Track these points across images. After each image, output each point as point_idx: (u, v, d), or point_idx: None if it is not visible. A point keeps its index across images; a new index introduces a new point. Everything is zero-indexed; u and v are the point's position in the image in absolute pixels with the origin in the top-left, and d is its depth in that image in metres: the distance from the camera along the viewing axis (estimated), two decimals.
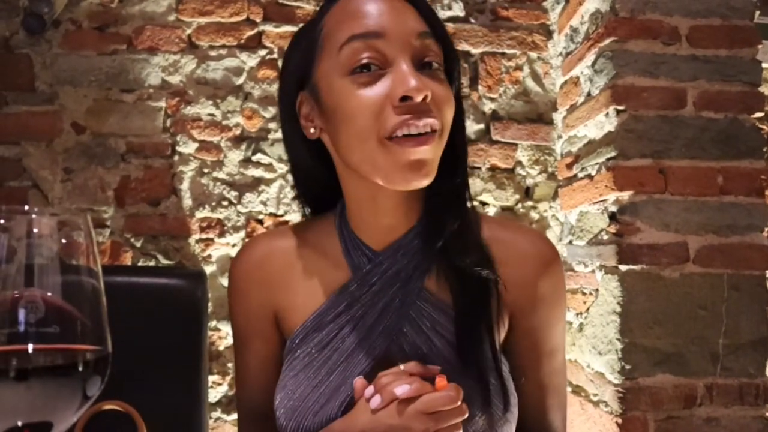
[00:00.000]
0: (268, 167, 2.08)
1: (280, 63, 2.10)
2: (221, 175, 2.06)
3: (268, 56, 2.11)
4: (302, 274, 0.88)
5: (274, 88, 2.09)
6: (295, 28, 2.11)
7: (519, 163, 2.13)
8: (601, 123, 1.78)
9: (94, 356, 0.49)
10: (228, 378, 2.00)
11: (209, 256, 2.03)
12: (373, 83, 0.74)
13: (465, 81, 2.13)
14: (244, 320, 0.93)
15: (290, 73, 0.85)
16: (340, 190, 0.88)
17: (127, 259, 2.02)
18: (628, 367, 1.62)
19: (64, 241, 0.50)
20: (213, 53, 2.10)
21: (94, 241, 0.53)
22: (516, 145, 2.13)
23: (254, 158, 2.07)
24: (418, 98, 0.72)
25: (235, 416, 1.97)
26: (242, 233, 2.05)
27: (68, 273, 0.49)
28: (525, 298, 0.85)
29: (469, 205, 0.88)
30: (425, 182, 0.76)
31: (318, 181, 0.90)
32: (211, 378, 1.99)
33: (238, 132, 2.08)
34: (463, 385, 0.75)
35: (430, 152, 0.74)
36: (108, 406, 0.70)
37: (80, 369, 0.48)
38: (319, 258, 0.88)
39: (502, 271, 0.83)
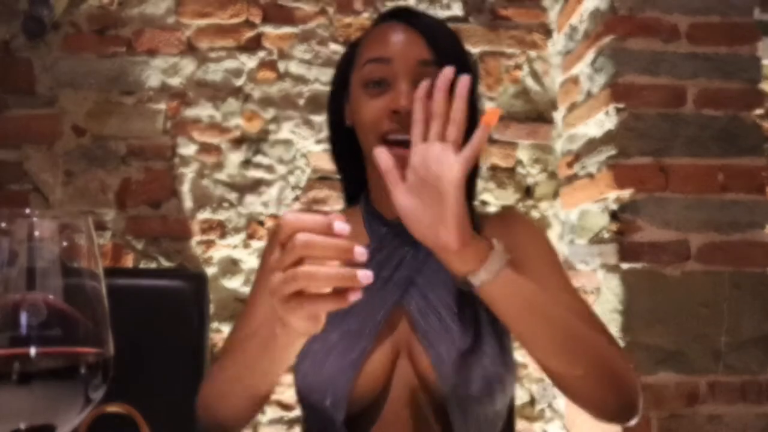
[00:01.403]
0: (269, 168, 2.08)
1: (279, 64, 2.11)
2: (222, 176, 2.07)
3: (268, 58, 2.11)
4: None
5: (274, 89, 2.10)
6: (294, 30, 2.12)
7: (519, 162, 2.12)
8: (602, 121, 1.78)
9: (96, 359, 0.49)
10: None
11: (210, 257, 2.03)
12: (378, 96, 0.95)
13: None
14: (269, 263, 0.99)
15: (338, 75, 1.08)
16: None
17: (129, 261, 2.02)
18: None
19: (65, 243, 0.50)
20: (213, 55, 2.10)
21: (96, 243, 0.53)
22: (516, 144, 2.13)
23: (254, 160, 2.08)
24: (405, 111, 0.91)
25: None
26: (243, 235, 2.05)
27: (70, 276, 0.49)
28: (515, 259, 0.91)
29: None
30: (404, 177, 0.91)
31: (352, 168, 1.09)
32: None
33: (238, 134, 2.08)
34: (471, 334, 0.89)
35: (408, 154, 0.87)
36: (111, 409, 0.70)
37: (83, 372, 0.48)
38: None
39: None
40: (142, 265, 2.02)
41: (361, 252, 0.61)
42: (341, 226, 0.61)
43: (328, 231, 0.61)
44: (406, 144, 0.89)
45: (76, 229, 0.51)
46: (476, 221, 1.03)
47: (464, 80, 0.80)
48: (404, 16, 0.99)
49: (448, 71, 0.81)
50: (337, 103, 1.07)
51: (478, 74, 1.01)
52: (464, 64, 0.99)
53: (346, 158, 1.10)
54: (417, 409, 0.93)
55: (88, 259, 0.51)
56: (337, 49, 2.10)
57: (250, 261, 2.04)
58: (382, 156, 0.82)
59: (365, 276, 0.61)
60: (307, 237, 0.60)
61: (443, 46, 0.97)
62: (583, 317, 0.93)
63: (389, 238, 1.00)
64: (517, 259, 0.91)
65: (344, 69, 1.05)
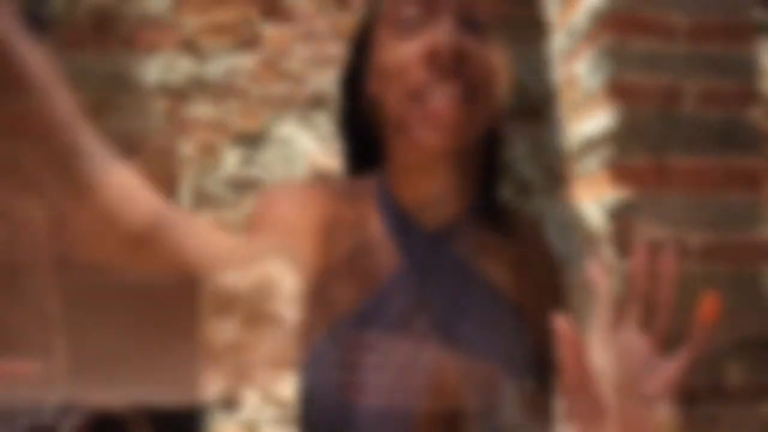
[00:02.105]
0: (267, 167, 2.08)
1: (278, 63, 2.11)
2: (220, 175, 2.07)
3: (267, 56, 2.10)
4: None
5: (273, 88, 2.10)
6: (293, 28, 2.11)
7: (515, 158, 2.12)
8: (600, 119, 1.78)
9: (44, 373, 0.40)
10: None
11: None
12: (410, 38, 0.70)
13: None
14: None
15: (356, 33, 0.79)
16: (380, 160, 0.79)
17: None
18: None
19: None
20: (211, 53, 2.10)
21: (45, 232, 0.43)
22: (514, 142, 2.13)
23: (253, 158, 2.07)
24: (449, 55, 0.67)
25: (234, 416, 1.97)
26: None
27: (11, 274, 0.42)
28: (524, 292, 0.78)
29: None
30: (447, 143, 0.69)
31: (364, 137, 0.80)
32: None
33: (236, 132, 2.08)
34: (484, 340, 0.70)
35: (455, 113, 0.68)
36: (102, 407, 0.69)
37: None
38: (355, 228, 0.76)
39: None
40: None
41: None
42: None
43: None
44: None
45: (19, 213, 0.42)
46: (503, 220, 0.80)
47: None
48: None
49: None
50: (357, 69, 0.78)
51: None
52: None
53: (359, 133, 0.80)
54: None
55: (35, 251, 0.42)
56: (336, 47, 2.10)
57: None
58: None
59: None
60: None
61: None
62: None
63: (424, 253, 0.73)
64: (526, 294, 0.76)
65: (367, 22, 0.78)
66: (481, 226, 0.75)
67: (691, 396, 1.63)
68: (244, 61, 2.10)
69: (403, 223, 0.74)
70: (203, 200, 2.05)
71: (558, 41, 2.11)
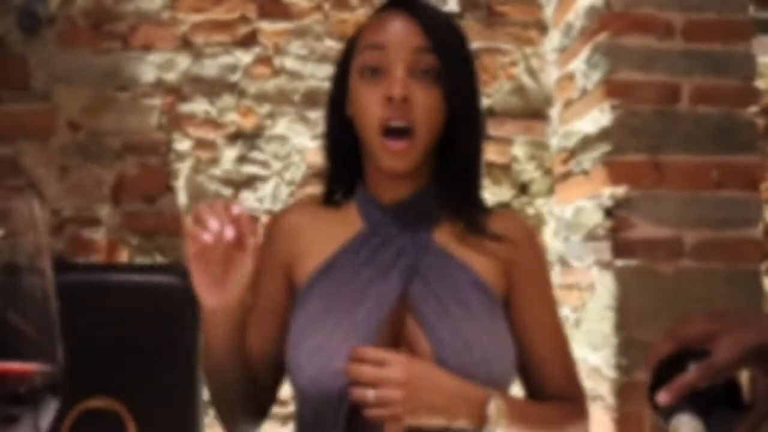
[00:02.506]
0: (264, 164, 2.08)
1: (275, 60, 2.11)
2: (217, 172, 2.06)
3: (263, 53, 2.10)
4: (321, 230, 1.03)
5: (270, 85, 2.09)
6: (290, 25, 2.11)
7: (515, 158, 2.12)
8: (596, 118, 1.78)
9: (43, 380, 0.39)
10: None
11: None
12: (374, 84, 0.95)
13: None
14: (263, 262, 1.04)
15: (342, 62, 1.05)
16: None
17: (124, 256, 2.02)
18: (623, 362, 1.62)
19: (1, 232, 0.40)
20: (208, 50, 2.09)
21: (42, 230, 0.42)
22: (512, 140, 2.13)
23: (250, 155, 2.07)
24: (399, 99, 0.92)
25: None
26: None
27: (6, 273, 0.40)
28: (517, 274, 1.01)
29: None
30: (403, 170, 0.96)
31: (346, 159, 1.06)
32: None
33: (233, 129, 2.08)
34: (473, 320, 0.92)
35: (406, 147, 0.94)
36: (95, 405, 0.69)
37: (27, 398, 0.38)
38: (338, 218, 1.04)
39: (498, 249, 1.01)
40: (137, 260, 2.02)
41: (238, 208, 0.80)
42: (239, 209, 0.79)
43: (227, 210, 0.79)
44: (403, 132, 0.93)
45: (14, 211, 0.40)
46: (479, 204, 1.04)
47: None
48: (404, 4, 0.99)
49: None
50: (339, 93, 1.05)
51: (476, 68, 0.98)
52: (462, 55, 1.00)
53: (342, 149, 1.06)
54: None
55: (31, 250, 0.40)
56: (332, 45, 2.10)
57: None
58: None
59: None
60: (199, 209, 0.79)
61: (440, 34, 0.96)
62: (564, 375, 1.03)
63: (385, 222, 0.99)
64: (515, 277, 1.01)
65: (346, 58, 1.04)
66: (435, 202, 1.00)
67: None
68: (241, 59, 2.10)
69: (368, 200, 1.02)
70: (200, 197, 2.05)
71: (554, 40, 2.11)
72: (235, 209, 0.79)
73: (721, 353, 0.62)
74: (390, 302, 0.92)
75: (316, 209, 1.08)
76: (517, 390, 1.02)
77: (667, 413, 0.63)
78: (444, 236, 1.00)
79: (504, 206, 2.11)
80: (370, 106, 0.94)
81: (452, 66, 0.96)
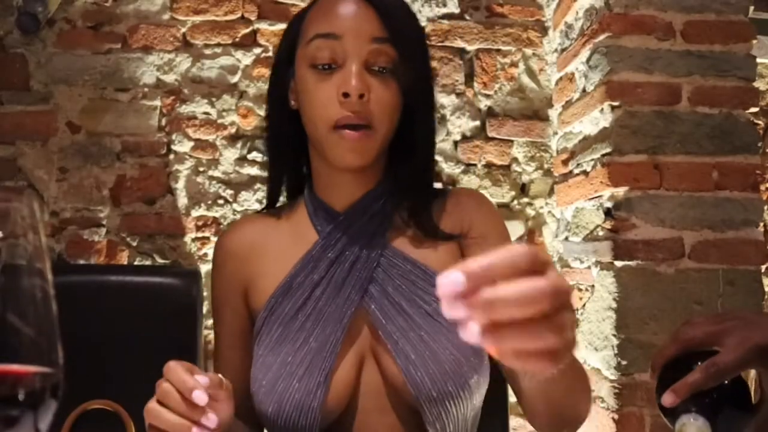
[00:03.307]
0: (264, 165, 2.07)
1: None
2: (217, 173, 2.06)
3: (263, 54, 2.10)
4: (274, 245, 0.96)
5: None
6: None
7: (515, 159, 2.12)
8: (596, 119, 1.78)
9: (42, 382, 0.39)
10: None
11: (205, 254, 2.03)
12: (327, 77, 0.87)
13: (460, 77, 2.13)
14: (219, 291, 0.99)
15: (281, 49, 0.97)
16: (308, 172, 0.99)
17: (123, 258, 2.02)
18: (624, 362, 1.62)
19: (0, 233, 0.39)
20: (208, 52, 2.09)
21: (41, 230, 0.41)
22: (512, 141, 2.13)
23: (250, 156, 2.07)
24: (356, 96, 0.84)
25: None
26: None
27: (6, 273, 0.39)
28: (472, 237, 0.94)
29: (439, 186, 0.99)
30: (360, 164, 0.89)
31: (291, 156, 0.99)
32: None
33: (233, 130, 2.08)
34: (438, 326, 0.85)
35: (363, 143, 0.87)
36: (95, 405, 0.69)
37: (26, 400, 0.38)
38: (290, 229, 0.97)
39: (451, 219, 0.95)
40: (137, 262, 2.02)
41: (212, 419, 0.69)
42: (199, 396, 0.68)
43: (188, 394, 0.68)
44: (357, 128, 0.86)
45: (14, 212, 0.39)
46: (431, 198, 0.97)
47: None
48: None
49: None
50: (280, 82, 0.96)
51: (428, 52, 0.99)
52: (420, 44, 0.94)
53: (287, 145, 0.98)
54: (388, 415, 0.88)
55: (31, 251, 0.40)
56: None
57: None
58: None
59: (209, 422, 0.69)
60: (168, 388, 0.69)
61: (398, 21, 0.89)
62: None
63: (339, 232, 0.92)
64: (476, 238, 0.94)
65: (289, 43, 0.95)
66: (388, 202, 0.94)
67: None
68: (241, 60, 2.10)
69: (319, 206, 0.95)
70: (198, 197, 2.05)
71: (554, 41, 2.11)
72: (196, 396, 0.69)
73: (725, 354, 0.62)
74: (343, 322, 0.86)
75: (263, 222, 1.00)
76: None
77: (674, 414, 0.62)
78: (400, 237, 0.93)
79: (503, 207, 2.11)
80: (323, 101, 0.86)
81: (411, 57, 0.89)
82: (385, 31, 0.87)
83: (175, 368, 0.70)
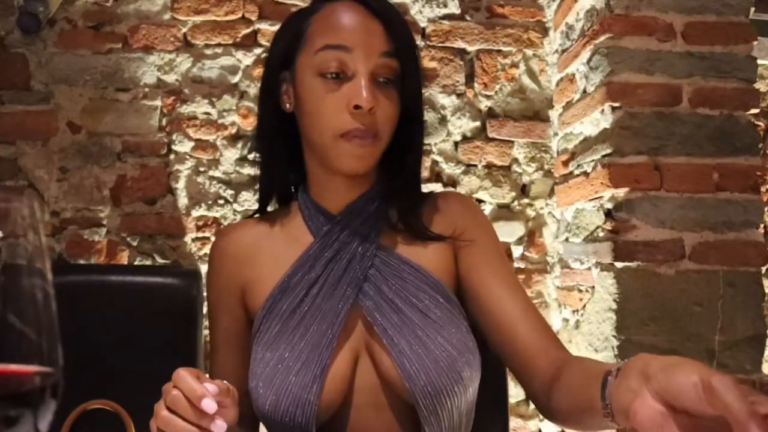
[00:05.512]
0: None
1: None
2: (217, 173, 2.06)
3: (264, 54, 2.10)
4: (269, 249, 0.99)
5: None
6: None
7: (515, 160, 2.12)
8: (597, 120, 1.78)
9: (42, 382, 0.38)
10: None
11: (205, 254, 2.03)
12: (336, 88, 0.89)
13: (460, 78, 2.13)
14: (215, 295, 1.02)
15: (277, 51, 0.98)
16: (301, 176, 1.01)
17: (124, 258, 2.02)
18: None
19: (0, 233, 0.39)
20: (208, 52, 2.09)
21: (41, 230, 0.41)
22: (512, 142, 2.13)
23: (250, 157, 2.06)
24: (367, 109, 0.87)
25: None
26: None
27: (6, 273, 0.39)
28: (464, 239, 0.98)
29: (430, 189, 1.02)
30: (364, 170, 0.93)
31: (285, 158, 1.01)
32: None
33: (233, 130, 2.08)
34: (431, 323, 0.88)
35: (370, 151, 0.91)
36: (95, 405, 0.69)
37: (26, 400, 0.38)
38: (284, 233, 1.00)
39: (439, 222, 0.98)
40: (138, 261, 2.02)
41: (220, 425, 0.70)
42: (208, 404, 0.69)
43: (197, 402, 0.69)
44: (365, 137, 0.89)
45: (14, 212, 0.39)
46: (420, 201, 1.00)
47: None
48: None
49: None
50: (273, 85, 0.97)
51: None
52: (417, 56, 0.96)
53: (280, 147, 1.00)
54: (384, 411, 0.90)
55: (31, 251, 0.40)
56: None
57: None
58: None
59: (218, 428, 0.70)
60: (177, 396, 0.70)
61: (402, 36, 0.92)
62: (538, 320, 0.92)
63: (335, 232, 0.95)
64: (467, 240, 0.97)
65: (286, 47, 0.96)
66: (381, 204, 0.97)
67: None
68: (242, 60, 2.10)
69: (314, 209, 0.97)
70: (198, 197, 2.05)
71: (555, 41, 2.11)
72: (205, 404, 0.69)
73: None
74: (339, 320, 0.89)
75: (258, 226, 1.02)
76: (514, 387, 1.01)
77: None
78: (392, 238, 0.96)
79: (504, 208, 2.11)
80: (333, 110, 0.89)
81: (411, 70, 0.93)
82: (391, 45, 0.91)
83: (185, 376, 0.71)
